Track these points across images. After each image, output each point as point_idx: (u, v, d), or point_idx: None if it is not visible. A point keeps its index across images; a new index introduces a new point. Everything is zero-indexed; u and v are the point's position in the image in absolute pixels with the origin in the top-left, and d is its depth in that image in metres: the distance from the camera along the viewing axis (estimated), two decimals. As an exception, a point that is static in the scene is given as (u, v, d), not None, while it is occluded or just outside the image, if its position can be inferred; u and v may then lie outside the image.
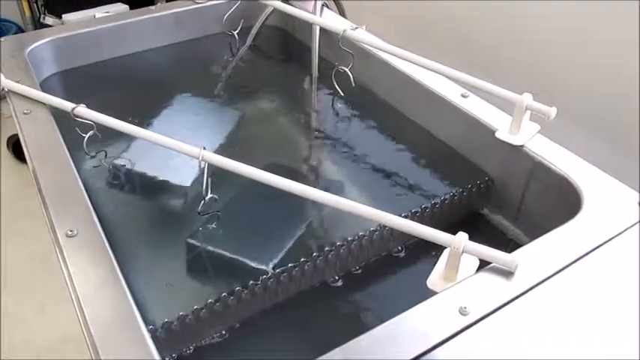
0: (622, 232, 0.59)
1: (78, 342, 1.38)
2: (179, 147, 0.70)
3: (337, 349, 0.48)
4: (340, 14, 1.38)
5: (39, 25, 1.96)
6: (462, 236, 0.56)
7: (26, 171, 1.99)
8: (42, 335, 1.42)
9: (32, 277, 1.57)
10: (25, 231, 1.69)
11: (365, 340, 0.48)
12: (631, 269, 0.56)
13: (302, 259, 0.64)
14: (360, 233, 0.67)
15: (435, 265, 0.58)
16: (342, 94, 0.96)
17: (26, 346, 1.40)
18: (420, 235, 0.58)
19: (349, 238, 0.67)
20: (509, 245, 0.73)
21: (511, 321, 0.51)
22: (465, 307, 0.51)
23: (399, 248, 0.72)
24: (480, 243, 0.56)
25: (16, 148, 1.97)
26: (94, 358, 0.48)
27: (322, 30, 1.01)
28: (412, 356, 0.47)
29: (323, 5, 1.05)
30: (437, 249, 0.59)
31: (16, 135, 2.02)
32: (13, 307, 1.48)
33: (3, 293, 1.52)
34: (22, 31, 2.14)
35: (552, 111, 0.71)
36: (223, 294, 0.60)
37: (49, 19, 1.89)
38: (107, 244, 0.58)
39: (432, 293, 0.54)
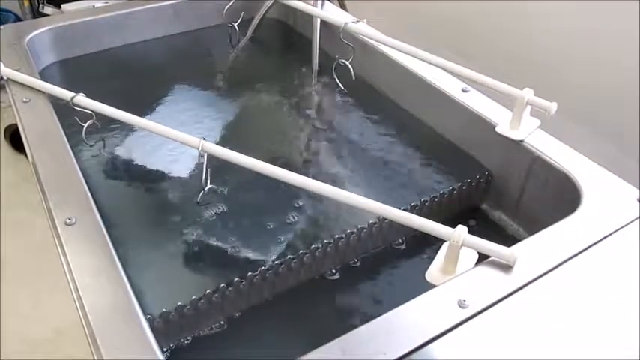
0: (621, 227, 0.59)
1: (73, 333, 1.38)
2: (179, 137, 0.70)
3: (335, 341, 0.48)
4: (341, 7, 1.37)
5: (37, 14, 1.95)
6: (462, 229, 0.56)
7: (24, 162, 1.98)
8: (37, 326, 1.42)
9: (28, 268, 1.56)
10: (21, 222, 1.69)
11: (363, 331, 0.48)
12: (630, 265, 0.56)
13: (301, 251, 0.64)
14: (360, 226, 0.67)
15: (433, 258, 0.58)
16: (343, 87, 0.96)
17: (20, 336, 1.39)
18: (420, 227, 0.58)
19: (348, 231, 0.67)
20: (508, 240, 0.73)
21: (510, 314, 0.51)
22: (464, 300, 0.51)
23: (400, 241, 0.72)
24: (477, 237, 0.56)
25: (13, 138, 1.96)
26: (92, 346, 0.48)
27: (323, 23, 1.01)
28: (411, 348, 0.47)
29: (324, -2, 1.05)
30: (435, 242, 0.58)
31: (14, 125, 2.02)
32: (7, 297, 1.48)
33: (-1, 284, 1.52)
34: (20, 20, 2.13)
35: (553, 106, 0.71)
36: (222, 284, 0.60)
37: (47, 9, 1.89)
38: (106, 233, 0.58)
39: (431, 286, 0.55)
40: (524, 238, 0.72)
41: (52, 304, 1.46)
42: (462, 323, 0.49)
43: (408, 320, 0.50)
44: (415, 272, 0.68)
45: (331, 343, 0.47)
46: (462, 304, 0.51)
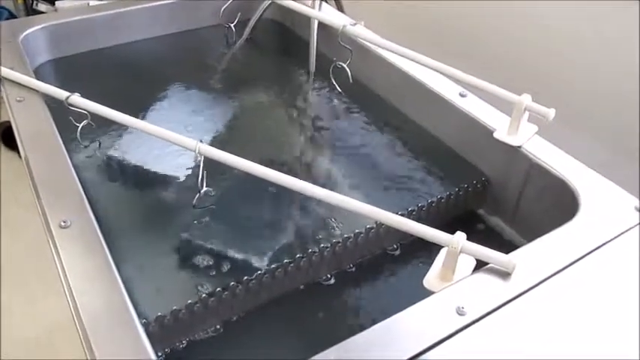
0: (619, 235, 0.59)
1: (66, 333, 1.37)
2: (175, 139, 0.69)
3: (332, 348, 0.47)
4: (338, 9, 1.37)
5: (31, 11, 1.94)
6: (460, 236, 0.55)
7: (16, 159, 1.95)
8: (30, 326, 1.41)
9: (21, 268, 1.55)
10: (14, 221, 1.67)
11: (361, 338, 0.48)
12: (627, 273, 0.56)
13: (298, 255, 0.64)
14: (357, 230, 0.67)
15: (431, 264, 0.58)
16: (340, 90, 0.95)
17: (13, 337, 1.38)
18: (418, 233, 0.58)
19: (345, 235, 0.67)
20: (505, 246, 0.72)
21: (508, 322, 0.51)
22: (463, 308, 0.50)
23: (395, 246, 0.72)
24: (475, 243, 0.55)
25: (5, 135, 1.94)
26: (86, 350, 0.47)
27: (320, 25, 1.00)
28: (409, 356, 0.47)
29: (321, 0, 1.04)
30: (431, 248, 0.58)
31: (5, 122, 1.99)
32: (1, 297, 1.47)
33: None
34: (13, 17, 2.11)
35: (551, 112, 0.71)
36: (218, 289, 0.60)
37: (41, 6, 1.87)
38: (101, 236, 0.57)
39: (427, 292, 0.54)
40: (520, 243, 0.72)
41: (46, 303, 1.45)
42: (460, 330, 0.49)
43: (407, 327, 0.49)
44: (411, 278, 0.68)
45: (328, 350, 0.47)
46: (460, 312, 0.50)
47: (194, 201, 0.70)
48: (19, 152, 0.70)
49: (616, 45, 1.00)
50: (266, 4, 1.10)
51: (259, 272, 0.62)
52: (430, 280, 0.57)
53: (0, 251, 1.58)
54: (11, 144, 1.92)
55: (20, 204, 1.70)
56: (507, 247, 0.70)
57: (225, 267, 0.63)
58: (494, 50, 1.24)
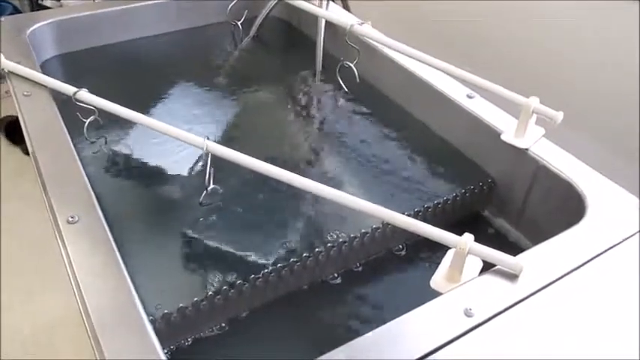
0: (626, 239, 0.59)
1: (66, 332, 1.37)
2: (183, 136, 0.69)
3: (341, 348, 0.47)
4: (344, 8, 1.37)
5: (36, 6, 1.94)
6: (468, 237, 0.55)
7: (17, 153, 1.93)
8: (29, 322, 1.41)
9: (21, 263, 1.54)
10: (14, 216, 1.67)
11: (369, 338, 0.48)
12: (634, 276, 0.56)
13: (304, 254, 0.64)
14: (363, 230, 0.67)
15: (437, 265, 0.58)
16: (346, 89, 0.95)
17: (12, 333, 1.38)
18: (425, 234, 0.58)
19: (352, 235, 0.67)
20: (511, 248, 0.72)
21: (516, 324, 0.51)
22: (470, 309, 0.50)
23: (400, 247, 0.72)
24: (482, 245, 0.56)
25: (8, 130, 1.94)
26: (94, 347, 0.47)
27: (327, 24, 1.00)
28: (417, 356, 0.47)
29: (328, -1, 1.04)
30: (436, 249, 0.58)
31: (9, 117, 1.97)
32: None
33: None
34: (18, 12, 2.11)
35: (559, 115, 0.71)
36: (224, 287, 0.60)
37: (47, 1, 1.87)
38: (109, 232, 0.57)
39: (434, 293, 0.54)
40: (525, 246, 0.72)
41: (46, 299, 1.45)
42: (468, 332, 0.49)
43: (415, 328, 0.49)
44: (417, 278, 0.68)
45: (336, 350, 0.47)
46: (468, 313, 0.50)
47: (201, 198, 0.70)
48: (21, 147, 0.70)
49: (616, 45, 1.00)
50: (273, 2, 1.10)
51: (266, 270, 0.62)
52: (437, 280, 0.57)
53: (0, 248, 1.58)
54: (14, 139, 1.92)
55: (22, 199, 1.70)
56: (512, 249, 0.70)
57: (232, 265, 0.63)
58: (494, 50, 1.24)
